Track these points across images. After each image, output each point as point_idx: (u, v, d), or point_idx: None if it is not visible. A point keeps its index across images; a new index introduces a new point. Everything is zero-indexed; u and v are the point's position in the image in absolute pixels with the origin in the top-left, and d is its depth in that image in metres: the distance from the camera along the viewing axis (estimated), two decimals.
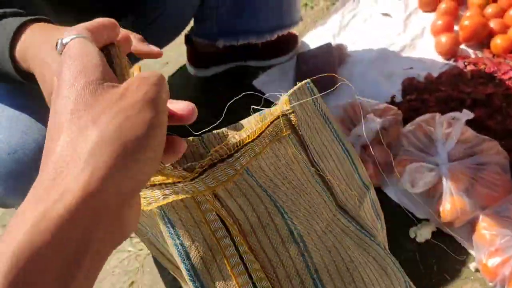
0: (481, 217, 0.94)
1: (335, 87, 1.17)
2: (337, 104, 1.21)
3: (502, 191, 0.96)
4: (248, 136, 0.52)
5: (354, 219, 0.64)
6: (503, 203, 0.92)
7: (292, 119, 0.57)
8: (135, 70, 0.66)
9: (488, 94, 1.11)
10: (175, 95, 1.04)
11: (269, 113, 0.54)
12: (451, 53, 1.28)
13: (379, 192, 1.09)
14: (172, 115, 0.37)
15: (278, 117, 0.54)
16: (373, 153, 1.06)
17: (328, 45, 1.38)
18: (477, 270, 0.94)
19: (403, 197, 1.08)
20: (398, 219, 1.05)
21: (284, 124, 0.55)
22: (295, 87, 0.58)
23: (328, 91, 0.73)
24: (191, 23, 1.34)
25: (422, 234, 1.01)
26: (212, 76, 1.53)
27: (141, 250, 1.28)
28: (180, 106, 0.38)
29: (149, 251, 0.74)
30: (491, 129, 1.06)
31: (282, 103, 0.55)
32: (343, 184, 0.64)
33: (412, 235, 1.02)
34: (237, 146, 0.51)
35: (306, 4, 1.62)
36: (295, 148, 0.56)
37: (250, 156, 0.51)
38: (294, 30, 1.56)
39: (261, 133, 0.52)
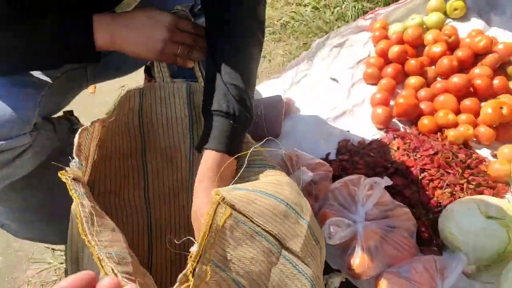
0: (384, 274, 1.04)
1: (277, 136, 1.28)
2: (277, 153, 1.31)
3: (407, 253, 1.07)
4: (204, 232, 0.62)
5: (297, 257, 0.77)
6: (404, 264, 1.03)
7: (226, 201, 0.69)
8: (90, 88, 0.90)
9: (408, 166, 1.25)
10: None
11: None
12: (384, 124, 1.43)
13: None
14: None
15: (217, 206, 0.66)
16: None
17: (278, 97, 1.49)
18: None
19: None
20: None
21: (222, 210, 0.67)
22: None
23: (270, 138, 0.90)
24: None
25: (333, 282, 1.10)
26: None
27: (61, 263, 1.28)
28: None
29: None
30: (406, 197, 1.19)
31: (214, 195, 0.67)
32: (281, 227, 0.76)
33: (323, 282, 1.10)
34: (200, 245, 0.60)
35: (264, 57, 1.75)
36: (237, 220, 0.70)
37: (209, 248, 0.62)
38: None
39: (211, 225, 0.63)
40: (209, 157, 0.80)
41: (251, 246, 0.71)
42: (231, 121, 0.82)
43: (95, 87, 1.79)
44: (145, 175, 1.02)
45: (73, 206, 0.71)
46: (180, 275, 0.56)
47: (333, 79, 1.61)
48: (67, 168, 0.69)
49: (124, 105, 0.94)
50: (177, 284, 0.55)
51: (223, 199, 0.67)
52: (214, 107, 0.82)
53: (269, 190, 0.77)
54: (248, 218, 0.72)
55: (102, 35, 0.82)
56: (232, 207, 0.69)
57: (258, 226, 0.73)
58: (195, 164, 1.01)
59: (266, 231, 0.74)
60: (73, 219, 0.74)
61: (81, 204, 0.63)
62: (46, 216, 1.05)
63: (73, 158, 0.71)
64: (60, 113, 1.07)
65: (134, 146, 0.98)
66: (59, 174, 0.67)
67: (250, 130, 1.38)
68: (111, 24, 0.83)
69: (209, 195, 0.78)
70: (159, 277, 1.05)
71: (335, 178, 1.25)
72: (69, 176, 0.67)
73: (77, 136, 0.75)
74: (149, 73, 1.53)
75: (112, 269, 0.56)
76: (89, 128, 0.78)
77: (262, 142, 0.85)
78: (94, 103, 1.72)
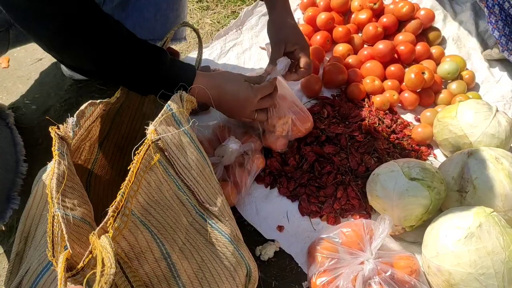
0: (316, 240, 1.06)
1: (208, 108, 1.29)
2: (208, 125, 1.28)
3: None
4: (129, 180, 0.62)
5: (213, 215, 0.81)
6: (335, 229, 1.05)
7: (159, 144, 0.71)
8: (3, 62, 0.94)
9: (337, 134, 1.26)
10: (46, 95, 1.05)
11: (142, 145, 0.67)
12: (314, 92, 1.43)
13: (235, 212, 1.17)
14: None
15: (149, 146, 0.67)
16: (233, 174, 1.14)
17: (207, 68, 1.44)
18: None
19: (256, 218, 1.17)
20: (248, 238, 1.13)
21: (154, 151, 0.68)
22: (160, 117, 0.72)
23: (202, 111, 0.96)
24: None
25: (267, 252, 1.10)
26: (89, 79, 1.50)
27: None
28: None
29: None
30: (335, 164, 1.21)
31: (150, 133, 0.67)
32: (204, 186, 0.79)
33: (257, 253, 1.10)
34: (123, 195, 0.60)
35: None
36: (163, 168, 0.69)
37: (131, 197, 0.62)
38: (177, 48, 1.60)
39: (137, 171, 0.63)
40: None
41: (170, 199, 0.73)
42: None
43: (8, 61, 1.64)
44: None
45: (47, 168, 0.77)
46: (98, 228, 0.57)
47: (262, 48, 1.58)
48: (60, 126, 0.71)
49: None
50: (94, 235, 0.55)
51: (157, 140, 0.69)
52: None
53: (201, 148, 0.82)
54: (175, 170, 0.74)
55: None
56: (162, 151, 0.71)
57: (181, 179, 0.75)
58: None
59: (187, 186, 0.76)
60: (38, 185, 0.76)
61: (57, 162, 0.64)
62: None
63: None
64: None
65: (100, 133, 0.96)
66: (49, 129, 0.69)
67: None
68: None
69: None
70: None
71: (265, 149, 1.25)
72: (58, 134, 0.68)
73: (85, 104, 0.81)
74: None
75: (62, 231, 0.57)
76: (97, 103, 0.84)
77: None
78: (8, 77, 1.58)
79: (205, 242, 0.78)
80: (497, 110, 1.22)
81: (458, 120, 1.22)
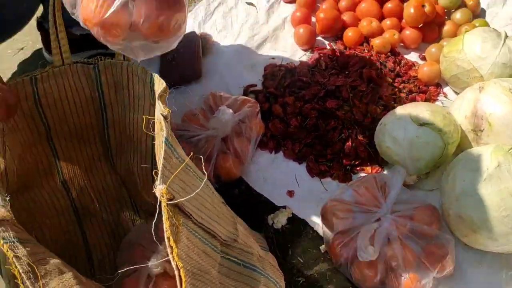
0: (328, 202, 1.01)
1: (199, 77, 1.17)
2: (201, 94, 1.22)
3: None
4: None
5: (236, 249, 0.75)
6: (346, 189, 1.00)
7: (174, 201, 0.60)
8: None
9: (338, 86, 1.19)
10: None
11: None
12: (309, 44, 1.35)
13: (241, 183, 1.13)
14: None
15: (168, 215, 0.57)
16: (232, 145, 1.09)
17: (193, 34, 1.36)
18: (326, 252, 1.02)
19: (264, 185, 1.12)
20: (258, 207, 1.09)
21: (175, 216, 0.59)
22: (162, 162, 0.60)
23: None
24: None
25: (279, 220, 1.06)
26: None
27: None
28: None
29: None
30: (339, 118, 1.14)
31: (162, 195, 0.57)
32: (218, 222, 0.71)
33: (270, 222, 1.07)
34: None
35: None
36: (187, 230, 0.62)
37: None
38: None
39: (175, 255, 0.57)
40: None
41: (200, 260, 0.65)
42: None
43: None
44: (56, 160, 0.92)
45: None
46: None
47: (249, 4, 1.49)
48: None
49: None
50: None
51: (171, 199, 0.59)
52: None
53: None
54: (193, 221, 0.65)
55: None
56: (177, 208, 0.61)
57: (201, 228, 0.67)
58: (111, 139, 0.94)
59: (207, 232, 0.68)
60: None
61: (16, 258, 0.53)
62: None
63: None
64: None
65: (37, 133, 0.87)
66: None
67: (168, 74, 1.27)
68: None
69: None
70: (99, 256, 0.99)
71: (264, 113, 1.18)
72: None
73: None
74: (42, 27, 1.35)
75: None
76: None
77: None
78: None
79: (235, 283, 0.74)
80: (506, 36, 1.13)
81: (465, 53, 1.14)
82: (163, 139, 0.61)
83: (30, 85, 0.81)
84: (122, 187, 1.01)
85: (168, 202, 0.58)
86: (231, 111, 1.05)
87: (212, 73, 1.33)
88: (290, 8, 1.47)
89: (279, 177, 1.13)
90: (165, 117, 0.65)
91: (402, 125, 1.02)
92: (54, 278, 0.56)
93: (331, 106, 1.16)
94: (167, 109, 0.66)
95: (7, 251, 0.53)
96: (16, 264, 0.52)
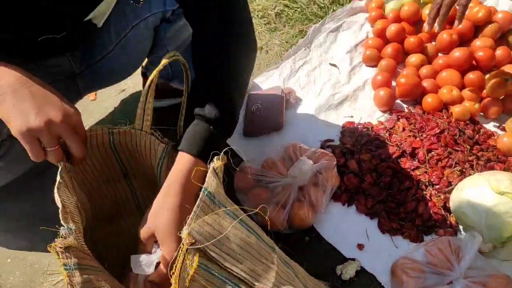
0: (399, 259, 1.02)
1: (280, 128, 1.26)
2: (281, 144, 1.29)
3: None
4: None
5: None
6: (418, 248, 1.01)
7: (197, 244, 0.64)
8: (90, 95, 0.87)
9: (415, 148, 1.23)
10: (130, 123, 1.04)
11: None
12: (387, 106, 1.40)
13: (312, 231, 1.17)
14: None
15: (184, 256, 0.63)
16: (308, 194, 1.14)
17: (278, 88, 1.47)
18: None
19: (334, 236, 1.15)
20: (327, 256, 1.12)
21: (191, 258, 0.64)
22: (195, 210, 0.65)
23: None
24: None
25: (348, 271, 1.08)
26: (169, 107, 1.56)
27: None
28: None
29: None
30: (415, 179, 1.17)
31: (184, 238, 0.63)
32: (253, 266, 0.72)
33: (338, 272, 1.09)
34: None
35: (261, 48, 1.72)
36: (204, 270, 0.66)
37: None
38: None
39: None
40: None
41: None
42: (211, 126, 0.79)
43: (95, 94, 1.78)
44: (135, 198, 1.00)
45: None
46: None
47: (332, 65, 1.58)
48: (56, 240, 0.63)
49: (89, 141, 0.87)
50: None
51: (193, 243, 0.63)
52: (196, 111, 0.80)
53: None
54: (219, 265, 0.68)
55: None
56: (201, 252, 0.65)
57: (227, 271, 0.69)
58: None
59: (234, 275, 0.70)
60: None
61: (70, 285, 0.62)
62: (32, 224, 1.04)
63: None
64: None
65: (114, 172, 0.94)
66: (48, 248, 0.61)
67: (251, 123, 1.37)
68: None
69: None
70: None
71: (339, 167, 1.23)
72: (59, 247, 0.62)
73: (56, 195, 0.69)
74: (144, 75, 1.51)
75: None
76: (60, 181, 0.72)
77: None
78: (96, 109, 1.71)
79: None
80: None
81: None
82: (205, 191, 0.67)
83: (107, 135, 0.87)
84: None
85: (189, 247, 0.63)
86: (311, 162, 1.11)
87: (292, 126, 1.41)
88: (371, 71, 1.55)
89: (350, 230, 1.16)
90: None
91: (480, 191, 1.02)
92: None
93: (407, 166, 1.20)
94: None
95: (65, 277, 0.62)
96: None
